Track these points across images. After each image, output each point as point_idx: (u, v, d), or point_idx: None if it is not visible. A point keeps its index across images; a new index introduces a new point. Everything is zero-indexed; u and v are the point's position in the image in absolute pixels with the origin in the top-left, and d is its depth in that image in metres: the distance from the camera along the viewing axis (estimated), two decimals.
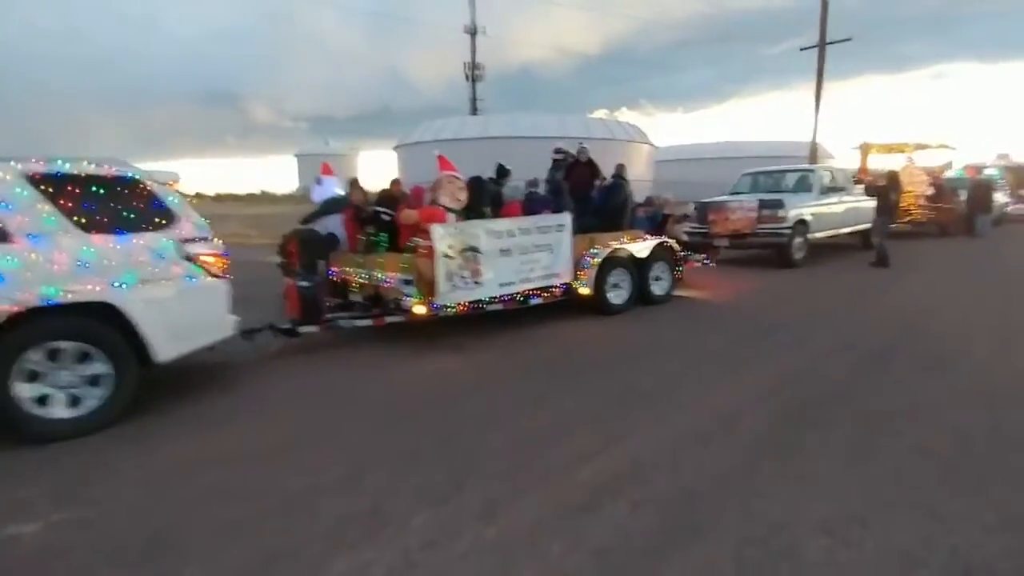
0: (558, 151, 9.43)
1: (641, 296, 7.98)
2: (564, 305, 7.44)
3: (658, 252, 8.23)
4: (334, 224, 7.27)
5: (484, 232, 6.42)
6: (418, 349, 6.30)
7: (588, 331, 6.91)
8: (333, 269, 7.25)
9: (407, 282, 6.10)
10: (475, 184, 6.80)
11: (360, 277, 6.75)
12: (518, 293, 6.81)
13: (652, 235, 8.43)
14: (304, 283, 6.28)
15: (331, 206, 7.26)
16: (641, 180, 43.16)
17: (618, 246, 7.66)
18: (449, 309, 6.23)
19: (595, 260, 7.38)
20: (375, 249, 6.84)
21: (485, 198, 6.78)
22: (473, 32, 60.40)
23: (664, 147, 49.98)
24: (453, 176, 6.42)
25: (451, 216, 6.35)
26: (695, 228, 12.24)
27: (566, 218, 7.20)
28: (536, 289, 6.98)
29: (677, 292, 8.66)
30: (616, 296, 7.69)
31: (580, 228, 7.98)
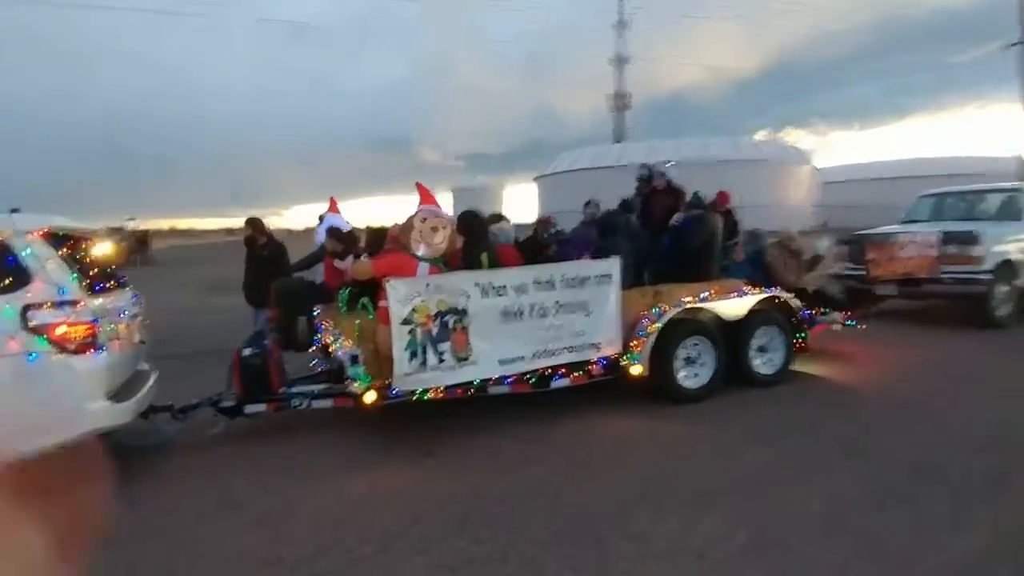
0: (644, 171, 7.22)
1: (737, 374, 5.53)
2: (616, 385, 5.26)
3: (764, 311, 5.72)
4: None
5: (475, 287, 4.55)
6: (375, 447, 4.55)
7: (628, 435, 4.69)
8: (323, 325, 5.77)
9: (353, 358, 4.39)
10: (468, 223, 4.95)
11: (332, 342, 5.17)
12: (530, 372, 4.80)
13: (755, 286, 5.94)
14: (248, 350, 4.85)
15: (319, 253, 5.83)
16: (797, 205, 38.14)
17: (695, 304, 5.32)
18: (419, 395, 4.41)
19: (653, 325, 5.12)
20: (364, 308, 5.22)
21: (482, 242, 4.89)
22: (618, 62, 59.05)
23: (831, 167, 43.90)
24: (430, 212, 4.65)
25: (423, 266, 4.56)
26: (849, 269, 9.20)
27: (612, 265, 5.07)
28: (562, 366, 4.92)
29: (800, 367, 6.03)
30: (690, 376, 5.34)
31: (653, 277, 5.79)
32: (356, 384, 4.28)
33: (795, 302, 5.88)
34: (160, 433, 4.92)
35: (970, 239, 8.09)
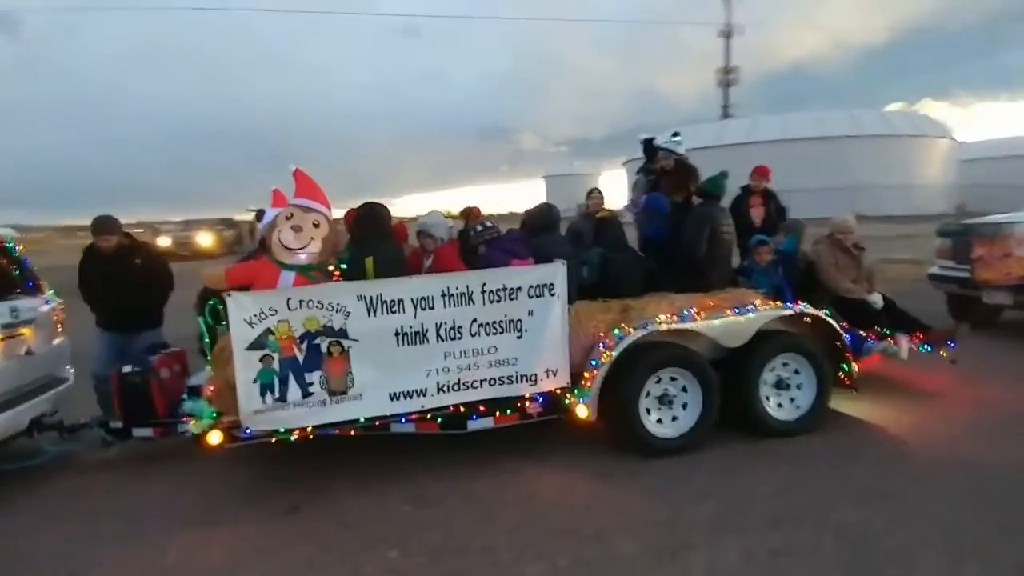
0: (648, 144, 5.78)
1: (742, 418, 4.14)
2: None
3: (782, 334, 4.24)
4: None
5: (357, 301, 3.54)
6: (235, 495, 3.69)
7: (547, 502, 3.47)
8: None
9: (192, 390, 3.55)
10: (357, 218, 3.90)
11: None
12: (436, 410, 3.73)
13: (775, 299, 4.45)
14: (128, 368, 4.15)
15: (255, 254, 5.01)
16: (930, 185, 33.17)
17: (672, 324, 3.97)
18: (282, 436, 3.50)
19: (608, 353, 3.85)
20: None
21: (374, 242, 3.80)
22: (727, 35, 54.52)
23: (974, 142, 37.83)
24: (299, 207, 3.67)
25: (286, 276, 3.59)
26: (948, 269, 7.20)
27: (555, 273, 3.86)
28: (482, 403, 3.81)
29: (847, 406, 4.48)
30: (663, 421, 4.01)
31: (647, 284, 4.52)
32: (193, 422, 3.42)
33: (833, 322, 4.30)
34: (44, 453, 4.38)
35: None
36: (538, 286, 3.85)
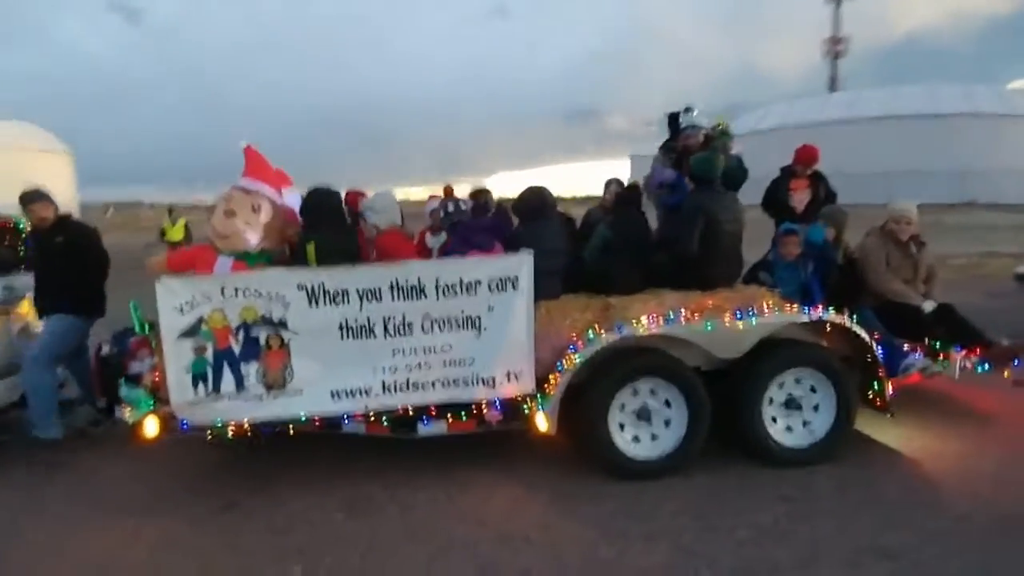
0: (673, 119, 5.09)
1: (739, 442, 3.59)
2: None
3: (796, 345, 3.61)
4: None
5: (297, 291, 3.29)
6: (173, 490, 3.58)
7: (482, 524, 3.08)
8: None
9: (129, 378, 3.44)
10: (310, 204, 3.58)
11: None
12: (384, 413, 3.44)
13: (796, 298, 3.79)
14: (107, 347, 4.15)
15: None
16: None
17: (652, 327, 3.44)
18: (219, 431, 3.33)
19: (572, 359, 3.39)
20: None
21: (319, 227, 3.49)
22: (837, 0, 50.03)
23: None
24: (241, 188, 3.41)
25: (224, 262, 3.37)
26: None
27: (519, 265, 3.43)
28: (435, 407, 3.48)
29: (881, 432, 3.81)
30: (640, 439, 3.52)
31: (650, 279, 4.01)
32: (128, 411, 3.31)
33: (862, 331, 3.61)
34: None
35: None
36: (500, 280, 3.44)
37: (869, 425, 3.87)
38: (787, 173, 5.22)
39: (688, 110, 4.76)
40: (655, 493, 3.30)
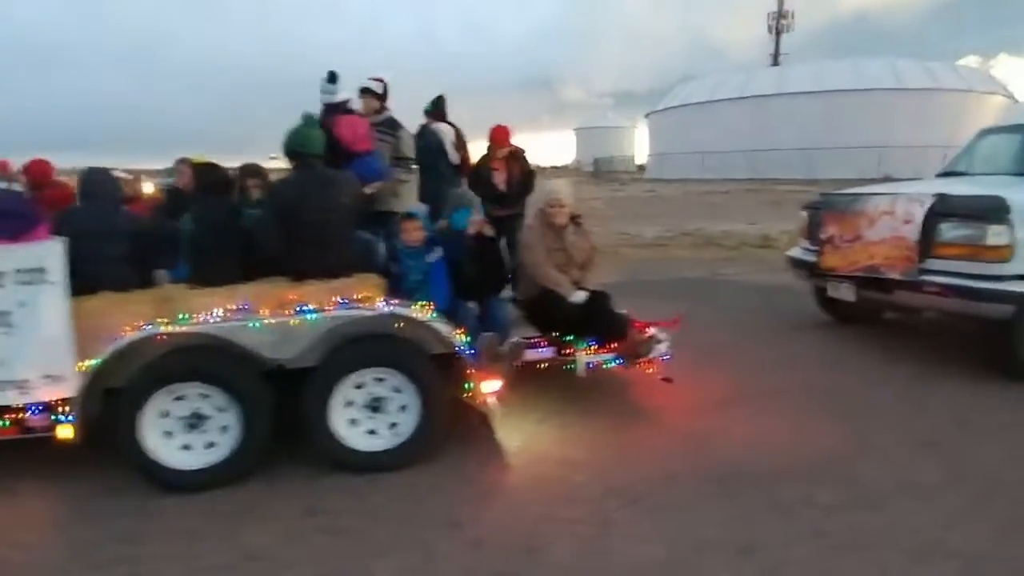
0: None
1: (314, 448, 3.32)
2: None
3: (373, 342, 3.33)
4: None
5: None
6: None
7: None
8: None
9: None
10: None
11: None
12: None
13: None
14: None
15: None
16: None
17: (186, 325, 3.11)
18: None
19: (83, 361, 3.06)
20: None
21: None
22: None
23: None
24: None
25: None
26: (806, 252, 5.95)
27: (47, 254, 3.07)
28: None
29: (523, 429, 3.58)
30: (193, 447, 3.21)
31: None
32: None
33: (444, 327, 3.33)
34: None
35: (988, 212, 4.49)
36: (28, 270, 3.10)
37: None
38: (489, 155, 5.01)
39: (333, 79, 4.34)
40: (198, 505, 3.02)
